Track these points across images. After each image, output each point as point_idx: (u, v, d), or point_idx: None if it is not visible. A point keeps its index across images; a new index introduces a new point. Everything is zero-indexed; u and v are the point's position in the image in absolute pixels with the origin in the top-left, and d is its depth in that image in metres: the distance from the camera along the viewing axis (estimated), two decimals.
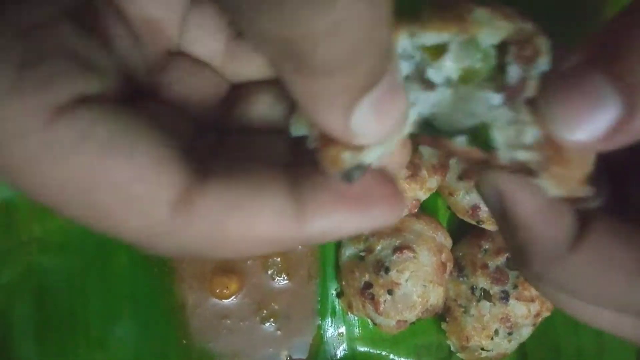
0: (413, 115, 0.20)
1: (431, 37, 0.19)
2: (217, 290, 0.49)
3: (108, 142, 0.17)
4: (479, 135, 0.20)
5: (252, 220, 0.18)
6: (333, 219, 0.19)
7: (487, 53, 0.19)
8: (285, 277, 0.50)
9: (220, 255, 0.19)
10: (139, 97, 0.20)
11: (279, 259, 0.50)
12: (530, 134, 0.19)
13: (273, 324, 0.50)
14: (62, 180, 0.17)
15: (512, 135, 0.19)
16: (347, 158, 0.18)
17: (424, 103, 0.20)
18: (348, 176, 0.18)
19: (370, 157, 0.19)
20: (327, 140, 0.18)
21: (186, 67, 0.21)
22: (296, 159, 0.21)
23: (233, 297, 0.49)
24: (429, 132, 0.21)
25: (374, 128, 0.17)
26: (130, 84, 0.20)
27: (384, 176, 0.20)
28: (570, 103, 0.18)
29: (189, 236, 0.18)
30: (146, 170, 0.17)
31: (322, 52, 0.15)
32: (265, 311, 0.50)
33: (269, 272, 0.50)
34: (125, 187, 0.17)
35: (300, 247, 0.17)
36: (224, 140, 0.21)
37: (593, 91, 0.17)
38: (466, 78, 0.20)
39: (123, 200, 0.17)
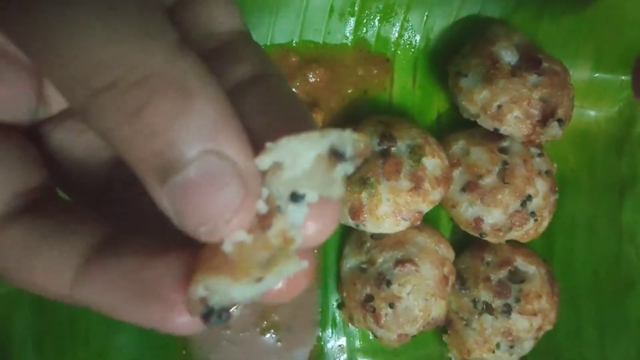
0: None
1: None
2: None
3: None
4: None
5: (30, 267, 0.18)
6: (103, 298, 0.18)
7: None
8: None
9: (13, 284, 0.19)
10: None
11: None
12: None
13: (274, 335, 0.50)
14: None
15: None
16: (215, 290, 0.17)
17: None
18: (207, 318, 0.17)
19: (244, 295, 0.17)
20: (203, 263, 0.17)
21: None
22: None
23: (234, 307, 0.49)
24: None
25: (179, 217, 0.17)
26: None
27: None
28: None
29: None
30: None
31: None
32: (265, 322, 0.49)
33: None
34: None
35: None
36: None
37: None
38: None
39: None
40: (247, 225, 0.17)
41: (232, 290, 0.17)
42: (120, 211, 0.22)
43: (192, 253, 0.18)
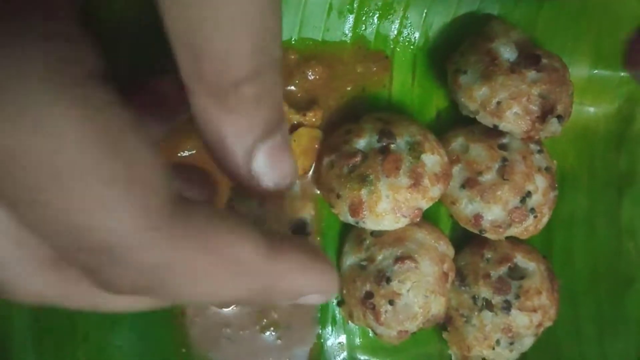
0: None
1: None
2: None
3: None
4: None
5: (236, 242, 0.19)
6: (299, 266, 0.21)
7: None
8: None
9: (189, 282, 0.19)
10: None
11: None
12: None
13: (273, 333, 0.50)
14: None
15: None
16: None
17: None
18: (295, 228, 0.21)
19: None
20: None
21: None
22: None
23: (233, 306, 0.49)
24: None
25: (270, 173, 0.21)
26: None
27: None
28: None
29: (178, 245, 0.18)
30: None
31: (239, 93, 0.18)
32: (265, 320, 0.49)
33: None
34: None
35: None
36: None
37: None
38: None
39: None
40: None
41: None
42: None
43: None
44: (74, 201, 0.16)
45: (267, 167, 0.20)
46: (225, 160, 0.20)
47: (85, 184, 0.16)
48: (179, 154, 0.49)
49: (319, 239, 0.50)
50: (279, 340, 0.50)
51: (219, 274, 0.19)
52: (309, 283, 0.21)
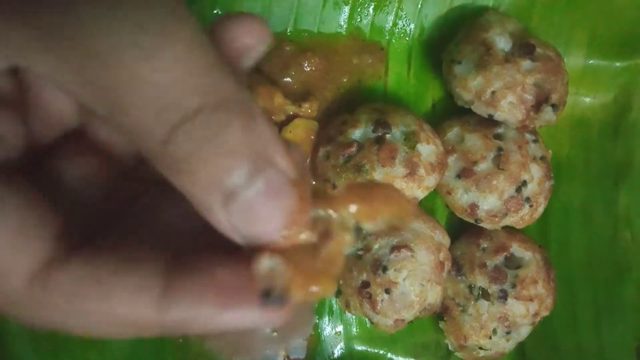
0: None
1: None
2: None
3: None
4: None
5: (108, 297, 0.17)
6: (196, 311, 0.18)
7: None
8: None
9: (79, 333, 0.19)
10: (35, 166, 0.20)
11: None
12: None
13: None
14: None
15: None
16: (264, 275, 0.18)
17: None
18: (265, 297, 0.18)
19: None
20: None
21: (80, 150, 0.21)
22: (199, 237, 0.20)
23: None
24: None
25: (243, 227, 0.18)
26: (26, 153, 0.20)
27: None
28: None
29: (44, 309, 0.18)
30: (3, 240, 0.17)
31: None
32: None
33: None
34: None
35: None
36: (137, 201, 0.21)
37: None
38: None
39: None
40: (307, 226, 0.19)
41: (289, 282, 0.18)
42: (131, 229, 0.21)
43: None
44: None
45: (242, 221, 0.18)
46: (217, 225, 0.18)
47: None
48: None
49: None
50: (275, 333, 0.50)
51: (105, 329, 0.18)
52: (216, 322, 0.18)
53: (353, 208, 0.20)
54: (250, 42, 0.20)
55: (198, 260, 0.19)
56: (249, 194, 0.17)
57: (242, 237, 0.18)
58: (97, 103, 0.17)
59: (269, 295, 0.18)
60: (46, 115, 0.20)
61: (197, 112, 0.17)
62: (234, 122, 0.17)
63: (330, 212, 0.19)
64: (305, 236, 0.19)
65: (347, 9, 0.51)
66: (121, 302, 0.18)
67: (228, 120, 0.17)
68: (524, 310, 0.46)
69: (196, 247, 0.20)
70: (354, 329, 0.51)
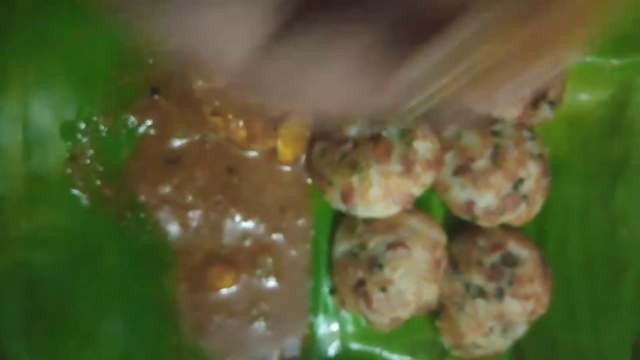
0: None
1: None
2: (212, 280, 0.48)
3: None
4: None
5: (328, 67, 0.19)
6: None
7: None
8: (275, 279, 0.50)
9: (289, 104, 0.21)
10: None
11: (270, 259, 0.50)
12: None
13: (263, 324, 0.49)
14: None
15: None
16: None
17: None
18: None
19: None
20: None
21: None
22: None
23: (226, 290, 0.49)
24: None
25: None
26: None
27: None
28: None
29: (267, 77, 0.19)
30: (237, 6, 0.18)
31: None
32: (255, 310, 0.49)
33: (259, 271, 0.49)
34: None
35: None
36: None
37: None
38: None
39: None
40: None
41: None
42: None
43: None
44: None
45: None
46: None
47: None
48: (170, 143, 0.49)
49: (313, 231, 0.50)
50: (270, 332, 0.49)
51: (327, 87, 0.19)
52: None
53: None
54: None
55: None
56: None
57: None
58: None
59: None
60: None
61: None
62: None
63: None
64: None
65: None
66: (346, 70, 0.19)
67: None
68: (521, 308, 0.46)
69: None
70: (350, 327, 0.51)
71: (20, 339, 0.45)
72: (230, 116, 0.47)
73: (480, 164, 0.46)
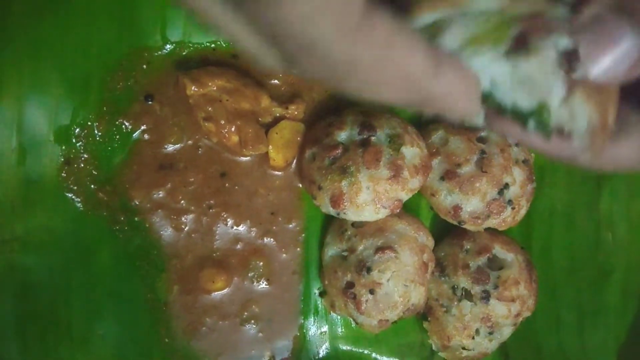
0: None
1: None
2: (204, 283, 0.49)
3: None
4: (539, 115, 0.24)
5: (411, 51, 0.21)
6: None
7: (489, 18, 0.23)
8: (266, 282, 0.50)
9: (364, 85, 0.23)
10: None
11: (261, 263, 0.50)
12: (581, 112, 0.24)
13: (254, 326, 0.50)
14: None
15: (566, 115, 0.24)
16: None
17: (485, 75, 0.24)
18: None
19: None
20: None
21: None
22: None
23: (218, 293, 0.49)
24: (492, 104, 0.25)
25: None
26: None
27: None
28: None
29: (362, 48, 0.21)
30: None
31: None
32: (246, 313, 0.50)
33: (250, 274, 0.50)
34: None
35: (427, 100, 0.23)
36: None
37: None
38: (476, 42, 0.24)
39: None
40: None
41: None
42: None
43: None
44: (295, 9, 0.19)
45: None
46: None
47: None
48: (164, 148, 0.50)
49: (303, 234, 0.51)
50: (260, 334, 0.50)
51: (390, 81, 0.22)
52: (459, 105, 0.24)
53: None
54: None
55: None
56: None
57: None
58: None
59: None
60: None
61: None
62: None
63: None
64: None
65: None
66: (415, 62, 0.22)
67: None
68: (506, 310, 0.47)
69: None
70: (339, 329, 0.52)
71: (13, 341, 0.46)
72: (222, 122, 0.47)
73: (467, 169, 0.47)
